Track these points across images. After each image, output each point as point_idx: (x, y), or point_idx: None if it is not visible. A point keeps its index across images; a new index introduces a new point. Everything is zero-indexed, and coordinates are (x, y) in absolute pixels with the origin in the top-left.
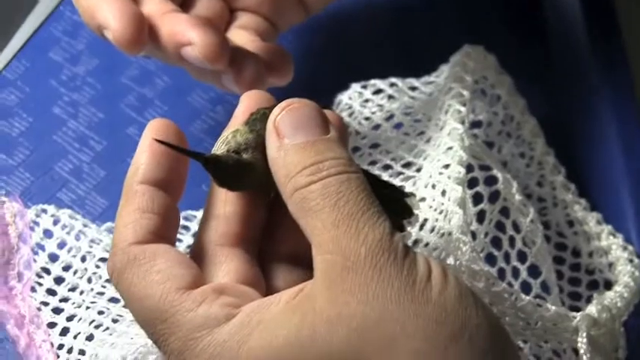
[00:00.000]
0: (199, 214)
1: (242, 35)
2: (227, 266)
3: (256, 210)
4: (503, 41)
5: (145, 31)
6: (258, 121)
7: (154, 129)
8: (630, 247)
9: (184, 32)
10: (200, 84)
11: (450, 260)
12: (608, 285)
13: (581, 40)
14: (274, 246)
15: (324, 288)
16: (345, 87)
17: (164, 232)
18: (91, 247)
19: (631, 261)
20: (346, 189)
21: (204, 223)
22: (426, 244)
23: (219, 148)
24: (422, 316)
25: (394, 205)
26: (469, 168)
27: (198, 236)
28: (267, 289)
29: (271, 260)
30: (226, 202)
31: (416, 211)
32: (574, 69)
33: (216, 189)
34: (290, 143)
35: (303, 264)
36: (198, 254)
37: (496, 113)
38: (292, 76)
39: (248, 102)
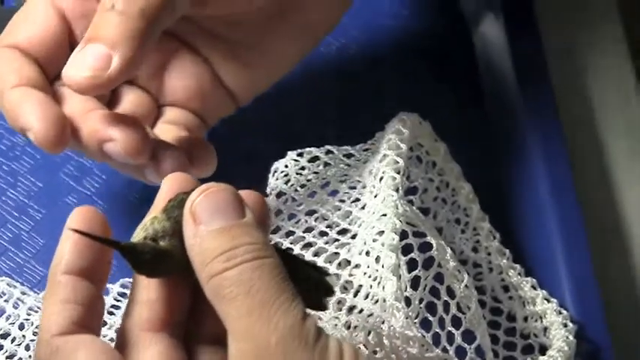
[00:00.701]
0: None
1: (168, 129)
2: (151, 351)
3: (180, 294)
4: (440, 106)
5: (66, 132)
6: (175, 207)
7: (76, 217)
8: (564, 312)
9: (105, 129)
10: None
11: (384, 326)
12: (543, 349)
13: (516, 105)
14: (199, 328)
15: None
16: (281, 155)
17: (88, 322)
18: (29, 314)
19: (565, 325)
20: (259, 276)
21: (128, 308)
22: (361, 311)
23: (137, 235)
24: None
25: (315, 284)
26: (404, 234)
27: (123, 322)
28: None
29: (197, 342)
30: (149, 288)
31: (339, 271)
32: (509, 135)
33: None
34: (205, 230)
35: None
36: (123, 340)
37: (431, 180)
38: (215, 168)
39: (169, 186)
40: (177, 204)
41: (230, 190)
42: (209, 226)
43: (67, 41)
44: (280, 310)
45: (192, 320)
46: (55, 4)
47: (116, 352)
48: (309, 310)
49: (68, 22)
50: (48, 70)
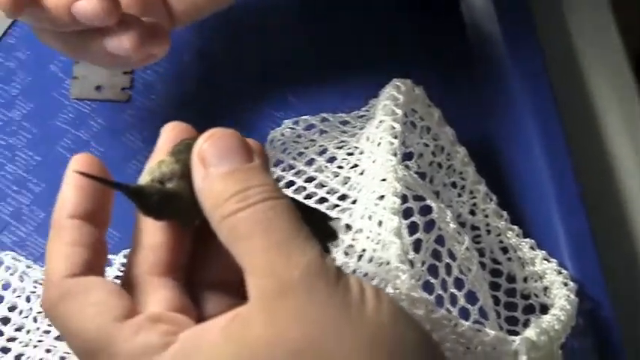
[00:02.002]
0: None
1: None
2: (158, 295)
3: (183, 238)
4: (431, 73)
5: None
6: (182, 151)
7: (77, 163)
8: (564, 271)
9: None
10: (135, 124)
11: (389, 289)
12: (544, 309)
13: (506, 67)
14: (202, 273)
15: (260, 312)
16: (277, 124)
17: (94, 264)
18: (35, 287)
19: (565, 284)
20: (274, 215)
21: (132, 253)
22: (365, 274)
23: (144, 178)
24: (358, 336)
25: (319, 230)
26: (403, 198)
27: (127, 267)
28: (198, 316)
29: (200, 287)
30: (154, 232)
31: (341, 236)
32: (500, 97)
33: (143, 219)
34: (215, 172)
35: (231, 289)
36: (128, 285)
37: (427, 145)
38: (168, 47)
39: (169, 134)
40: (183, 148)
41: (236, 134)
42: (218, 169)
43: None
44: (300, 247)
45: (195, 266)
46: None
47: (126, 293)
48: None
49: None
50: None
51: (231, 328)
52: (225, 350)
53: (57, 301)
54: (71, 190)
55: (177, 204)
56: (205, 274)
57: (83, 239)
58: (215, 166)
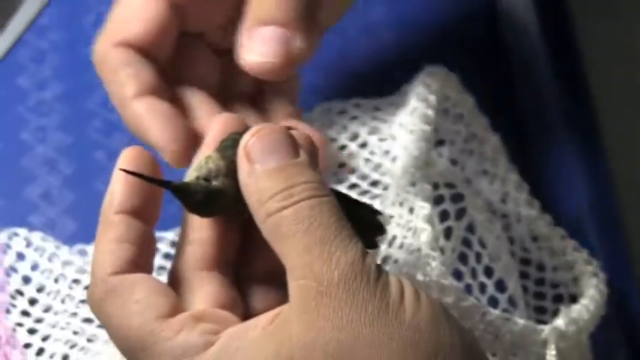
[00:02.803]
0: (168, 235)
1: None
2: (205, 291)
3: (230, 233)
4: (465, 62)
5: (193, 148)
6: (229, 147)
7: (126, 158)
8: (594, 262)
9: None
10: None
11: (420, 276)
12: (573, 299)
13: (540, 57)
14: (249, 267)
15: (300, 313)
16: (308, 109)
17: (141, 260)
18: (63, 268)
19: (595, 275)
20: (317, 213)
21: (180, 248)
22: (396, 261)
23: (190, 175)
24: (396, 339)
25: (366, 223)
26: (435, 186)
27: (175, 262)
28: (246, 310)
29: (247, 281)
30: (201, 227)
31: (387, 228)
32: (534, 87)
33: (190, 214)
34: (261, 169)
35: (279, 282)
36: (175, 280)
37: (459, 132)
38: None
39: (218, 127)
40: (230, 143)
41: (283, 130)
42: (264, 165)
43: (178, 32)
44: (340, 247)
45: (242, 260)
46: None
47: (170, 290)
48: None
49: (180, 10)
50: (164, 67)
51: (272, 330)
52: (266, 350)
53: (102, 298)
54: (119, 186)
55: (222, 201)
56: (252, 267)
57: (130, 235)
58: (260, 163)
